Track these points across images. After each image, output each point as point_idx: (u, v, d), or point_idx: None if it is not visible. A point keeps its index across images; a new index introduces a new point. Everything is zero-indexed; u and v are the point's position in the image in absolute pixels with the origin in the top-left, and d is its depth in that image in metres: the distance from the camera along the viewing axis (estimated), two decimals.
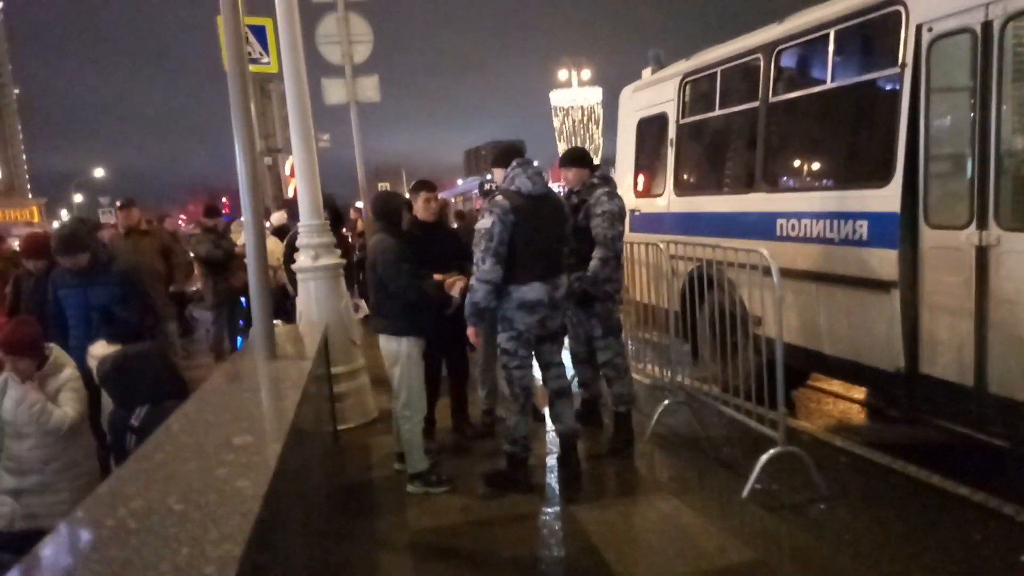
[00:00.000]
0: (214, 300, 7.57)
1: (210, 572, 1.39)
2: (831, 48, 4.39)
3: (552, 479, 4.15)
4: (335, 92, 9.13)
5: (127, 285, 4.52)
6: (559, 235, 4.04)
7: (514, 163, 3.96)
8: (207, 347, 8.12)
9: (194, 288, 8.39)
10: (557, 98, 71.83)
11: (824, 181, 4.77)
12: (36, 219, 32.06)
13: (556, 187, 5.58)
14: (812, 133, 4.97)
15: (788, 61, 4.91)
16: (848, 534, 3.39)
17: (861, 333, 4.19)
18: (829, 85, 4.48)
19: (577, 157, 4.92)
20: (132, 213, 7.12)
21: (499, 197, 3.88)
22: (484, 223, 3.83)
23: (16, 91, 45.46)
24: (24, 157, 45.99)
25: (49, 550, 1.59)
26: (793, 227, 4.64)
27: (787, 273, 4.08)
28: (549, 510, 3.83)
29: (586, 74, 70.87)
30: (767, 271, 3.94)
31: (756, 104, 5.05)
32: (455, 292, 4.20)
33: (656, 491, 3.98)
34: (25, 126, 46.83)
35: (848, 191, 4.26)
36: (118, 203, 7.28)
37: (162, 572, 1.41)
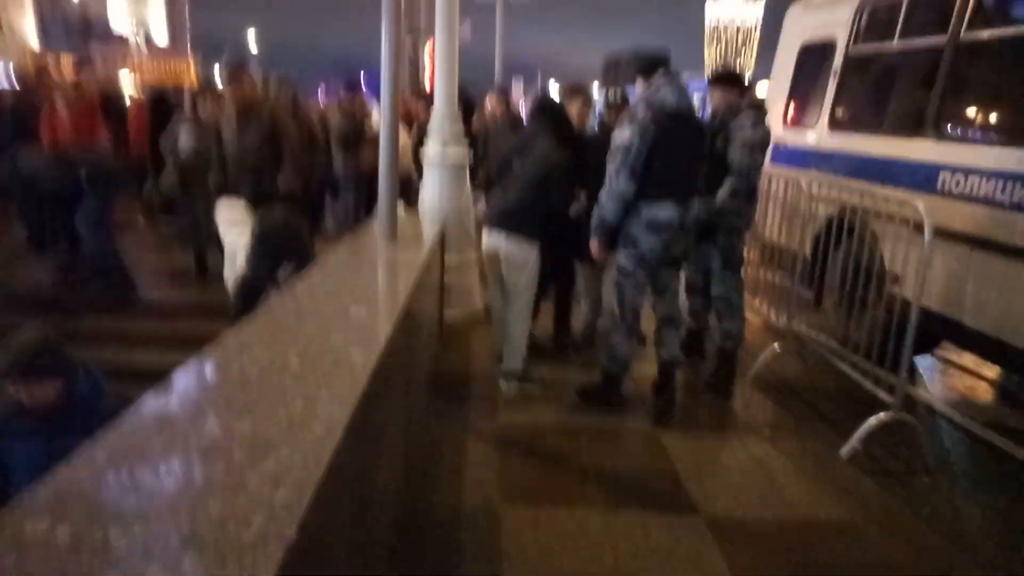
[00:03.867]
0: (343, 177, 7.84)
1: (318, 430, 1.48)
2: None
3: (646, 403, 4.14)
4: None
5: None
6: (698, 155, 3.85)
7: (660, 73, 3.75)
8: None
9: None
10: (713, 11, 67.07)
11: (1007, 136, 4.23)
12: (192, 71, 33.96)
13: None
14: (1005, 81, 4.36)
15: None
16: (949, 513, 3.22)
17: (1013, 310, 3.80)
18: None
19: (725, 76, 4.62)
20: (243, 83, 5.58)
21: (640, 106, 3.71)
22: (622, 136, 3.67)
23: None
24: (187, 16, 48.36)
25: (179, 384, 1.74)
26: (958, 183, 4.19)
27: (940, 232, 3.72)
28: (638, 432, 3.84)
29: None
30: (918, 227, 3.61)
31: (943, 40, 4.48)
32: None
33: (750, 433, 3.89)
34: None
35: None
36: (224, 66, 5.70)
37: (277, 420, 1.51)
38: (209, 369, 1.85)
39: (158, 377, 1.71)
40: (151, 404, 1.57)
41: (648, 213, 3.74)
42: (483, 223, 4.44)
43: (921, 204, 3.56)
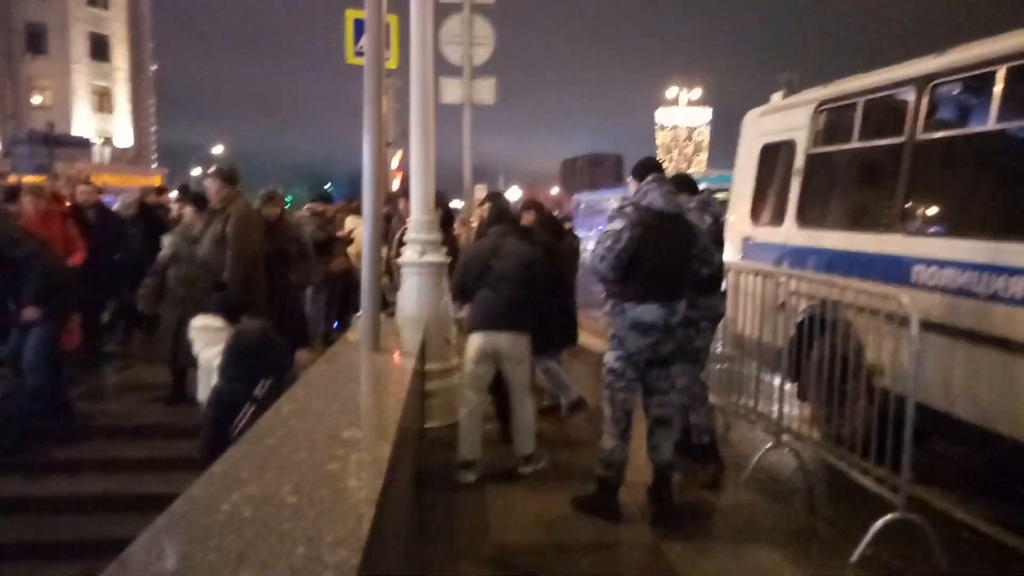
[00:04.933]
0: (315, 282, 7.76)
1: None
2: (999, 86, 4.01)
3: (643, 512, 3.96)
4: (452, 92, 9.23)
5: None
6: (684, 257, 3.91)
7: (649, 178, 3.89)
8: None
9: None
10: (663, 116, 70.55)
11: (976, 229, 4.35)
12: (159, 185, 34.16)
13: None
14: (966, 176, 4.55)
15: (945, 96, 4.54)
16: None
17: (1006, 401, 3.79)
18: (992, 126, 4.10)
19: (675, 183, 4.78)
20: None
21: (628, 208, 3.82)
22: (613, 225, 3.79)
23: (154, 67, 48.69)
24: (154, 128, 49.20)
25: (165, 528, 1.57)
26: (932, 275, 4.27)
27: (923, 325, 3.75)
28: (639, 544, 3.65)
29: (696, 93, 69.30)
30: (900, 320, 3.64)
31: (901, 140, 4.69)
32: None
33: (754, 540, 3.72)
34: (158, 100, 50.08)
35: (1006, 243, 3.87)
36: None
37: (279, 573, 1.35)
38: (196, 510, 1.68)
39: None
40: (135, 556, 1.40)
41: (633, 314, 3.76)
42: (468, 327, 4.56)
43: (906, 297, 3.60)
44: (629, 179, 4.08)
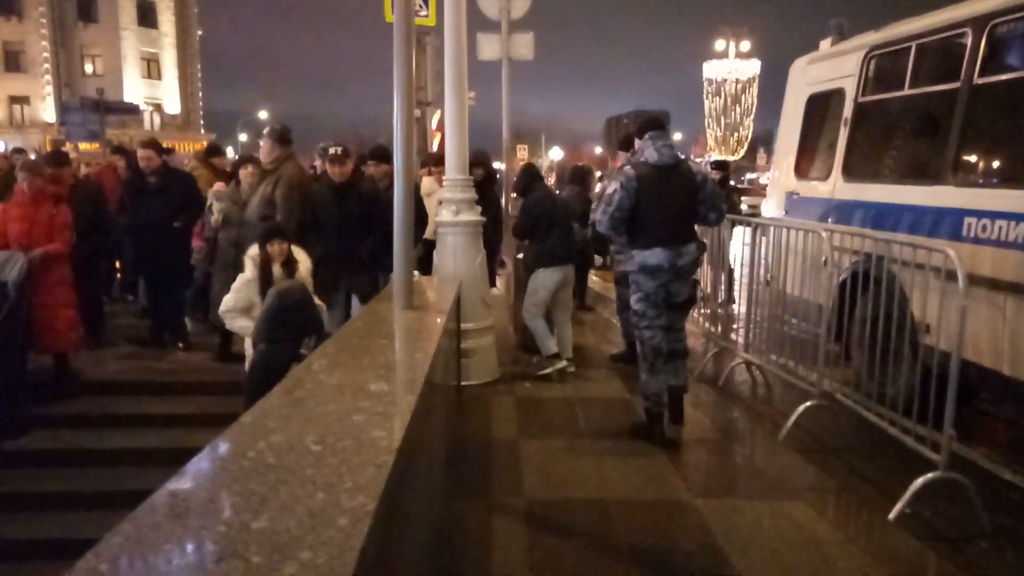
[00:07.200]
0: None
1: (344, 524, 1.36)
2: None
3: (679, 468, 3.97)
4: (489, 48, 9.09)
5: None
6: (686, 204, 4.18)
7: (647, 135, 4.20)
8: None
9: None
10: (711, 69, 68.17)
11: None
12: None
13: (704, 159, 6.10)
14: None
15: (1005, 37, 4.27)
16: None
17: None
18: None
19: (620, 143, 5.98)
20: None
21: (626, 167, 4.27)
22: (608, 189, 4.26)
23: (199, 33, 49.17)
24: (200, 95, 49.90)
25: (192, 474, 1.62)
26: (984, 228, 4.09)
27: (971, 279, 3.60)
28: (672, 501, 3.64)
29: (745, 45, 66.65)
30: (947, 275, 3.50)
31: (956, 85, 4.45)
32: None
33: (789, 497, 3.68)
34: (203, 66, 50.65)
35: None
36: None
37: (297, 515, 1.39)
38: (223, 456, 1.73)
39: (183, 459, 1.64)
40: (162, 500, 1.46)
41: (640, 258, 4.14)
42: (536, 263, 5.62)
43: (952, 251, 3.45)
44: (636, 140, 4.40)
